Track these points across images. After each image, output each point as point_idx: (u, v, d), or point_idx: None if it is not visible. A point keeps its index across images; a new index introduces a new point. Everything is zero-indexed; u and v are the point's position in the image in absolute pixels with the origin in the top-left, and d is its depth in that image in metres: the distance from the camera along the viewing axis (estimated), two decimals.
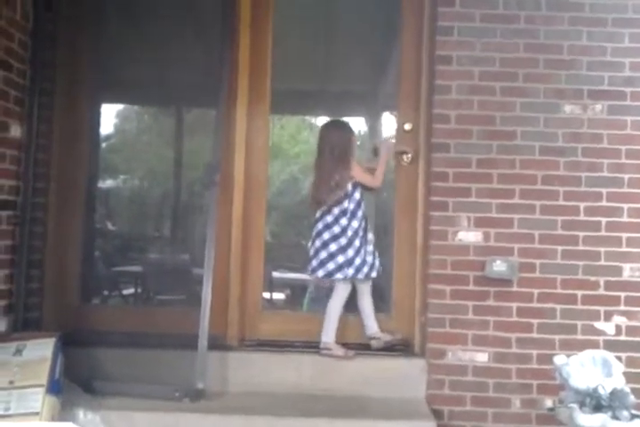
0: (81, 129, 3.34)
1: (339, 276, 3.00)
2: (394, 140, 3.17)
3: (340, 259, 2.99)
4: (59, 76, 3.27)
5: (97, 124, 3.65)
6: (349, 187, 3.04)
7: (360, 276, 3.01)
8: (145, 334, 3.05)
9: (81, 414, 2.54)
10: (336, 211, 3.02)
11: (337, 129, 3.14)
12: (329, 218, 3.03)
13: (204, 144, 3.65)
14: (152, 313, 3.30)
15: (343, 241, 2.99)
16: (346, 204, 3.02)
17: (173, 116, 4.13)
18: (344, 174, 3.02)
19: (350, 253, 2.99)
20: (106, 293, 3.81)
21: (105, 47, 3.52)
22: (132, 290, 3.92)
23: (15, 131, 2.97)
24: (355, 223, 3.01)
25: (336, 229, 3.01)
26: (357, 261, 3.00)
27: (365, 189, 3.13)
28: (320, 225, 3.04)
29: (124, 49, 3.65)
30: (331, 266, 3.00)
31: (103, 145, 3.97)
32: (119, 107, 4.14)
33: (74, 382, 2.74)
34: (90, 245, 3.56)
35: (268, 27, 3.28)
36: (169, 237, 4.04)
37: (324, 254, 3.01)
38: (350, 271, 2.99)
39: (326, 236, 3.01)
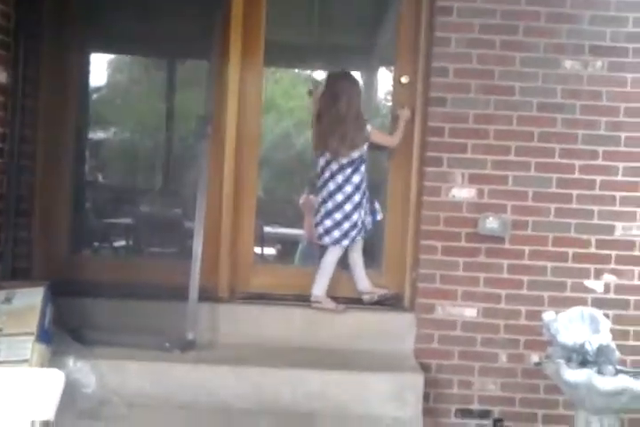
0: (70, 77, 3.26)
1: (345, 242, 2.99)
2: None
3: (346, 225, 2.97)
4: (46, 22, 3.16)
5: (86, 73, 3.57)
6: (364, 147, 2.99)
7: (363, 235, 3.01)
8: (135, 285, 3.04)
9: (71, 362, 2.54)
10: (349, 170, 2.98)
11: (347, 80, 3.06)
12: (340, 177, 2.98)
13: (196, 96, 3.59)
14: (143, 265, 3.29)
15: (348, 208, 2.97)
16: (358, 162, 2.98)
17: (165, 68, 4.04)
18: (358, 130, 2.96)
19: (355, 217, 2.98)
20: (96, 244, 3.80)
21: None
22: (122, 242, 3.90)
23: (0, 75, 2.88)
24: (357, 197, 2.98)
25: (348, 189, 2.97)
26: (359, 223, 3.00)
27: (376, 149, 3.09)
28: (332, 185, 2.99)
29: None
30: (336, 233, 2.98)
31: (93, 95, 3.89)
32: (109, 57, 4.04)
33: (64, 331, 2.74)
34: (80, 195, 3.52)
35: None
36: (160, 189, 4.00)
37: (329, 222, 2.99)
38: (354, 234, 2.99)
39: (339, 197, 2.97)
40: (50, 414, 1.17)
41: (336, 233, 2.99)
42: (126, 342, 2.76)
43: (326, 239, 3.01)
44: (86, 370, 2.53)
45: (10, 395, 1.19)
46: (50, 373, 1.20)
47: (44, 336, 2.56)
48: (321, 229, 3.02)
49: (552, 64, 2.89)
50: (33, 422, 1.16)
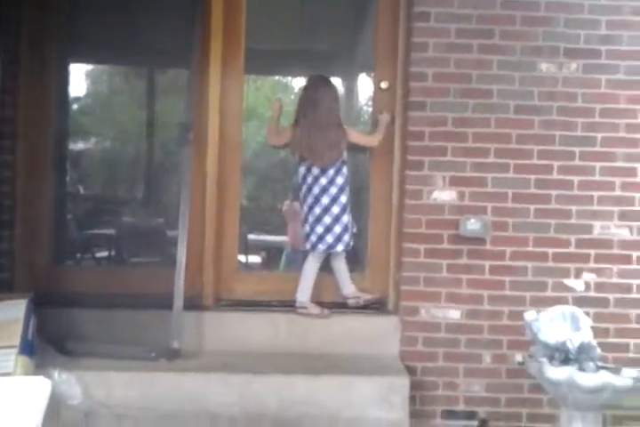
0: (50, 87, 3.25)
1: (340, 247, 2.99)
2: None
3: (337, 229, 2.98)
4: (25, 31, 3.15)
5: (66, 82, 3.56)
6: (345, 152, 3.01)
7: (351, 243, 3.03)
8: (119, 295, 3.04)
9: (55, 374, 2.53)
10: (331, 172, 2.99)
11: (326, 86, 3.07)
12: (323, 180, 2.99)
13: (177, 105, 3.59)
14: (126, 275, 3.28)
15: (336, 210, 2.98)
16: (340, 164, 3.00)
17: (145, 77, 4.04)
18: (339, 135, 2.98)
19: (345, 219, 2.99)
20: (78, 255, 3.78)
21: (74, 4, 3.39)
22: (105, 252, 3.89)
23: None
24: (344, 198, 3.00)
25: (333, 191, 2.98)
26: (349, 226, 3.02)
27: (356, 150, 3.12)
28: (316, 189, 2.99)
29: (94, 7, 3.52)
30: (329, 238, 2.98)
31: (74, 105, 3.88)
32: (89, 66, 4.04)
33: (48, 343, 2.73)
34: (62, 206, 3.51)
35: None
36: (142, 199, 4.00)
37: (320, 229, 2.98)
38: (346, 239, 3.00)
39: (325, 200, 2.97)
40: (37, 423, 1.17)
41: (329, 238, 2.98)
42: (111, 352, 2.75)
43: (320, 247, 2.99)
44: (71, 382, 2.52)
45: None
46: (36, 381, 1.21)
47: (27, 349, 2.55)
48: (313, 238, 2.99)
49: (528, 67, 2.94)
50: None
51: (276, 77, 4.46)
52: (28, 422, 1.15)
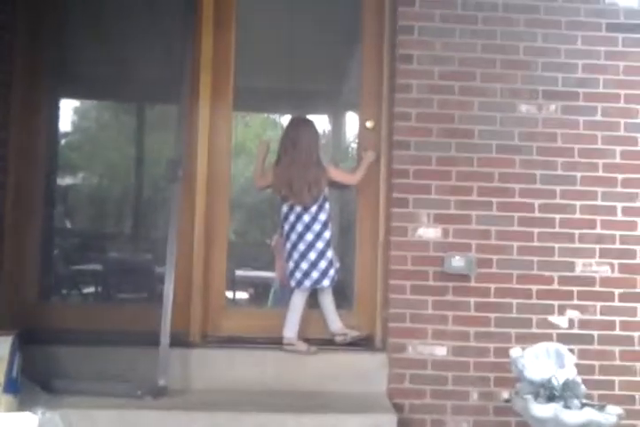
0: (39, 123, 3.29)
1: (326, 282, 3.01)
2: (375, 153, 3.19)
3: (323, 264, 3.01)
4: (16, 69, 3.21)
5: (56, 118, 3.61)
6: (326, 188, 3.07)
7: (336, 278, 3.05)
8: (106, 331, 3.02)
9: (39, 412, 2.49)
10: (314, 209, 3.03)
11: (306, 126, 3.15)
12: (306, 217, 3.03)
13: (165, 141, 3.64)
14: (113, 311, 3.27)
15: (320, 245, 3.01)
16: (322, 201, 3.05)
17: (134, 113, 4.10)
18: (319, 174, 3.04)
19: (329, 254, 3.02)
20: (65, 291, 3.76)
21: (65, 41, 3.47)
22: (92, 288, 3.87)
23: None
24: (327, 233, 3.04)
25: (317, 227, 3.02)
26: (334, 261, 3.05)
27: (339, 187, 3.17)
28: (300, 226, 3.03)
29: (85, 43, 3.60)
30: (315, 274, 3.01)
31: (62, 141, 3.91)
32: (78, 103, 4.09)
33: (32, 380, 2.69)
34: (49, 242, 3.51)
35: (231, 24, 3.28)
36: (130, 235, 4.00)
37: (305, 265, 3.01)
38: (332, 274, 3.02)
39: (309, 237, 3.01)
40: None
41: (315, 274, 3.01)
42: (96, 390, 2.72)
43: (306, 283, 3.01)
44: (56, 420, 2.48)
45: None
46: (22, 417, 1.21)
47: (11, 387, 2.52)
48: (298, 275, 3.02)
49: (509, 108, 3.03)
50: None
51: (266, 115, 4.53)
52: None
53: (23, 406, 2.50)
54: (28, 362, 2.66)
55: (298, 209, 3.05)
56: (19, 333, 2.67)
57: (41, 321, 3.09)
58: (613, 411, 2.36)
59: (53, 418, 2.45)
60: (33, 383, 2.68)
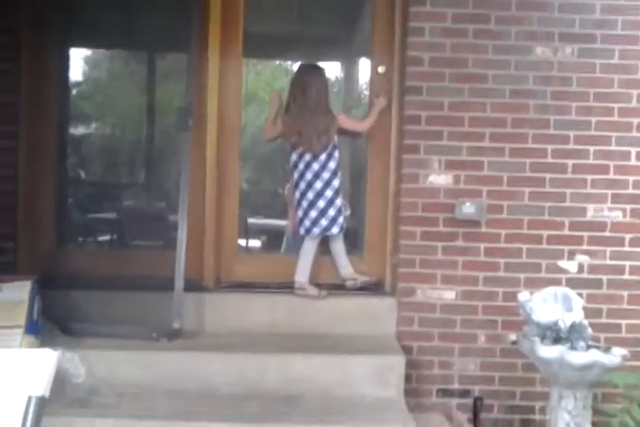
0: (49, 71, 3.28)
1: (335, 230, 3.04)
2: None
3: (332, 212, 3.02)
4: (24, 16, 3.17)
5: (66, 67, 3.58)
6: (335, 136, 3.05)
7: (345, 226, 3.07)
8: (121, 277, 3.09)
9: (60, 353, 2.59)
10: (323, 157, 3.03)
11: (315, 73, 3.12)
12: (315, 165, 3.03)
13: (176, 90, 3.61)
14: (128, 257, 3.33)
15: (329, 194, 3.02)
16: (331, 149, 3.04)
17: (145, 62, 4.06)
18: (329, 121, 3.02)
19: (338, 202, 3.04)
20: (81, 238, 3.83)
21: None
22: (107, 236, 3.94)
23: None
24: (336, 182, 3.04)
25: (325, 175, 3.02)
26: (343, 208, 3.07)
27: (350, 135, 3.15)
28: (309, 175, 3.03)
29: None
30: (324, 222, 3.03)
31: (73, 90, 3.90)
32: (88, 51, 4.05)
33: (52, 323, 2.79)
34: (63, 190, 3.54)
35: None
36: (143, 183, 4.03)
37: (314, 213, 3.03)
38: (341, 221, 3.05)
39: (318, 185, 3.02)
40: (45, 390, 1.23)
41: (324, 221, 3.03)
42: (114, 332, 2.81)
43: (315, 230, 3.04)
44: (75, 360, 2.56)
45: (5, 374, 1.25)
46: (42, 352, 1.27)
47: (32, 328, 2.61)
48: (307, 222, 3.05)
49: (523, 51, 2.96)
50: (30, 398, 1.22)
51: (277, 62, 4.47)
52: (37, 390, 1.21)
53: (44, 346, 2.58)
54: (47, 306, 2.76)
55: (307, 157, 3.05)
56: (37, 278, 2.75)
57: (59, 267, 3.17)
58: (618, 353, 2.40)
59: (73, 358, 2.54)
60: (53, 326, 2.78)
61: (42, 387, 1.22)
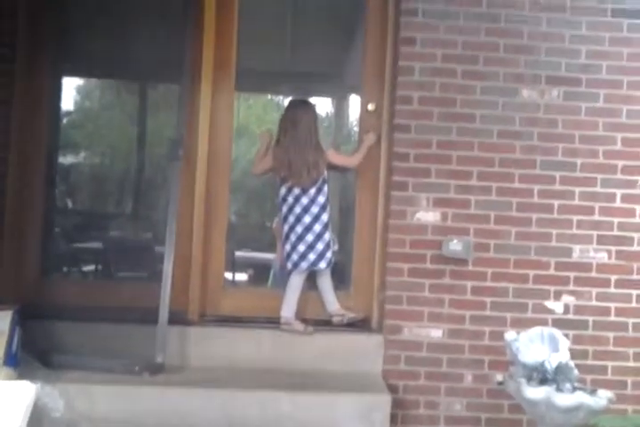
0: (41, 100, 3.28)
1: (322, 265, 3.03)
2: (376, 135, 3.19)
3: (320, 246, 3.03)
4: (20, 45, 3.20)
5: (58, 96, 3.61)
6: (325, 171, 3.08)
7: (333, 260, 3.08)
8: (105, 308, 3.06)
9: (39, 386, 2.53)
10: (312, 191, 3.05)
11: (305, 108, 3.16)
12: (304, 200, 3.05)
13: (167, 121, 3.64)
14: (113, 288, 3.30)
15: (318, 228, 3.03)
16: (320, 183, 3.06)
17: (137, 92, 4.09)
18: (318, 156, 3.05)
19: (326, 236, 3.04)
20: (66, 268, 3.79)
21: (67, 19, 3.46)
22: (92, 266, 3.90)
23: None
24: (325, 216, 3.05)
25: (314, 210, 3.03)
26: (331, 244, 3.07)
27: (339, 170, 3.18)
28: (298, 208, 3.05)
29: (87, 21, 3.59)
30: (312, 256, 3.03)
31: (64, 119, 3.92)
32: (81, 81, 4.09)
33: (32, 355, 2.74)
34: (50, 219, 3.53)
35: (234, 6, 3.26)
36: (131, 213, 4.03)
37: (302, 247, 3.03)
38: (329, 256, 3.05)
39: (307, 219, 3.03)
40: (22, 423, 1.21)
41: (312, 256, 3.03)
42: (95, 365, 2.76)
43: (303, 265, 3.03)
44: (54, 394, 2.51)
45: None
46: (20, 385, 1.24)
47: (11, 360, 2.56)
48: (295, 257, 3.04)
49: (511, 93, 3.02)
50: None
51: (268, 97, 4.53)
52: (13, 424, 1.18)
53: (23, 379, 2.53)
54: (28, 337, 2.71)
55: (296, 191, 3.07)
56: (19, 308, 2.71)
57: (41, 297, 3.12)
58: (604, 395, 2.39)
59: (52, 391, 2.49)
60: (33, 358, 2.72)
61: (18, 420, 1.19)
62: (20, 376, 2.54)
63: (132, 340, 2.86)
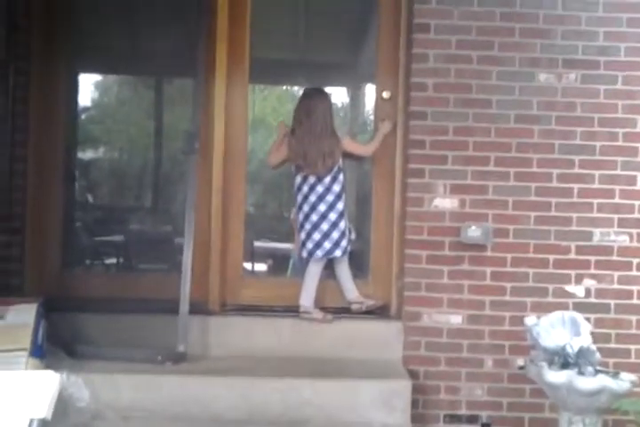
0: (59, 97, 3.34)
1: (337, 253, 3.04)
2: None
3: (335, 235, 3.03)
4: (35, 43, 3.24)
5: (75, 93, 3.64)
6: (340, 159, 3.08)
7: (349, 249, 3.07)
8: (127, 300, 3.10)
9: (64, 376, 2.58)
10: (327, 180, 3.06)
11: (320, 97, 3.16)
12: (320, 188, 3.05)
13: (183, 115, 3.65)
14: (134, 280, 3.34)
15: (333, 216, 3.03)
16: (336, 172, 3.06)
17: (153, 87, 4.11)
18: (333, 144, 3.05)
19: (342, 225, 3.05)
20: (87, 261, 3.83)
21: (82, 16, 3.49)
22: (113, 259, 3.94)
23: None
24: (341, 205, 3.06)
25: (330, 198, 3.04)
26: (347, 232, 3.07)
27: (355, 158, 3.19)
28: (313, 197, 3.05)
29: (102, 18, 3.61)
30: (327, 245, 3.03)
31: (82, 115, 3.95)
32: (98, 77, 4.11)
33: (57, 346, 2.78)
34: (71, 213, 3.57)
35: None
36: (150, 207, 4.05)
37: (317, 235, 3.04)
38: (344, 244, 3.05)
39: (322, 208, 3.03)
40: (47, 413, 1.23)
41: (327, 244, 3.04)
42: (119, 355, 2.81)
43: (318, 253, 3.04)
44: (80, 384, 2.56)
45: (8, 396, 1.25)
46: (45, 374, 1.27)
47: (37, 351, 2.61)
48: (310, 245, 3.05)
49: (527, 77, 2.99)
50: (31, 420, 1.21)
51: (283, 88, 4.51)
52: (39, 413, 1.21)
53: (49, 369, 2.58)
54: (53, 329, 2.75)
55: (311, 180, 3.07)
56: (43, 301, 2.76)
57: (65, 290, 3.18)
58: (627, 378, 2.37)
59: (77, 381, 2.54)
60: (57, 349, 2.77)
61: (44, 409, 1.22)
62: (47, 367, 2.59)
63: (153, 330, 2.90)
